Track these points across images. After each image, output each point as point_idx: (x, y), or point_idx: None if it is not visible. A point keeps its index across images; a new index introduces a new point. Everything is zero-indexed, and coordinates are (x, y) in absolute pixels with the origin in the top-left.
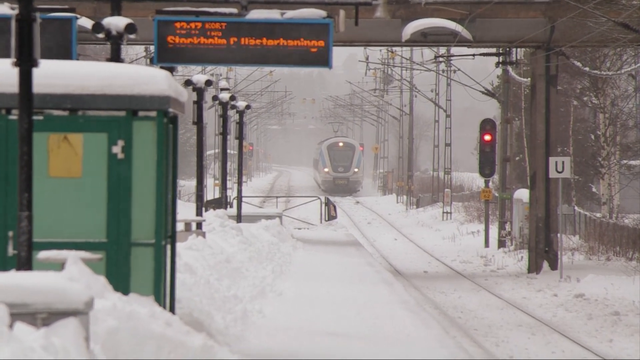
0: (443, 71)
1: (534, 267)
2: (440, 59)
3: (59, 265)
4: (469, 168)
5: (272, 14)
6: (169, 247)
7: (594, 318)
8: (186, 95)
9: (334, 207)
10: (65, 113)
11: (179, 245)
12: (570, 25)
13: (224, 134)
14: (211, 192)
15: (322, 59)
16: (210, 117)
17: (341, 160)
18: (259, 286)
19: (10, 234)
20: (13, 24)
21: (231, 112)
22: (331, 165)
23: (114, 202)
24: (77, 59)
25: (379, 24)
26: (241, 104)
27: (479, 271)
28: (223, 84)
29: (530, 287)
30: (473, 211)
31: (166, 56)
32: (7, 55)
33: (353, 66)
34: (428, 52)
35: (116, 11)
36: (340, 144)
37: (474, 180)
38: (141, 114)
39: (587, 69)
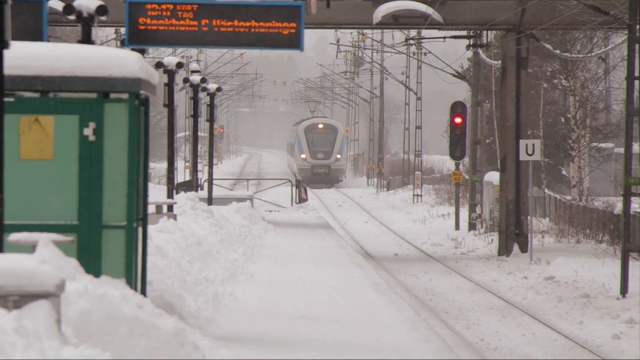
0: (414, 54)
1: (504, 250)
2: (411, 42)
3: (30, 248)
4: (440, 151)
5: None
6: (140, 229)
7: (564, 300)
8: (157, 78)
9: (305, 189)
10: (37, 95)
11: (150, 228)
12: (541, 7)
13: (194, 116)
14: (182, 174)
15: (294, 42)
16: (181, 99)
17: (321, 144)
18: (230, 269)
19: None
20: None
21: (202, 95)
22: (309, 151)
23: (85, 185)
24: (48, 41)
25: (350, 7)
26: (212, 86)
27: (449, 254)
28: (194, 66)
29: (500, 269)
30: (443, 194)
31: (137, 38)
32: None
33: (324, 49)
34: (399, 35)
35: None
36: (320, 126)
37: (445, 163)
38: (112, 96)
39: (557, 51)
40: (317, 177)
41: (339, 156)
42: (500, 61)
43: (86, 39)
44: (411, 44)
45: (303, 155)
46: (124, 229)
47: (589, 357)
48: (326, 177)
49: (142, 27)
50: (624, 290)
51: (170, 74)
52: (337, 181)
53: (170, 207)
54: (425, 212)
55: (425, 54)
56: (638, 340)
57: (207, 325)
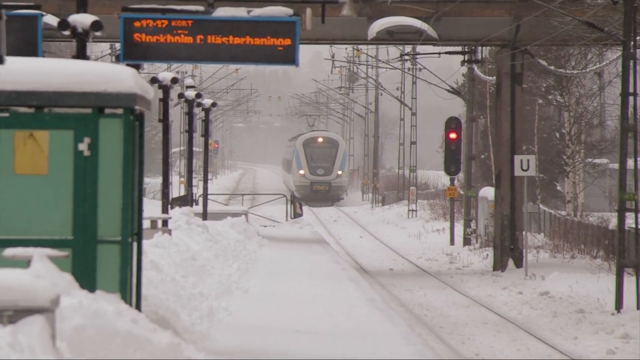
0: (408, 69)
1: (499, 265)
2: (406, 57)
3: (25, 263)
4: (435, 166)
5: (238, 12)
6: (135, 244)
7: (559, 316)
8: (152, 93)
9: (300, 204)
10: (32, 110)
11: (145, 243)
12: (536, 23)
13: (189, 131)
14: (177, 189)
15: (289, 57)
16: (176, 114)
17: (321, 159)
18: (225, 284)
19: None
20: None
21: (197, 110)
22: (308, 167)
23: (80, 199)
24: (43, 56)
25: (345, 22)
26: (207, 101)
27: (444, 269)
28: (189, 81)
29: (495, 284)
30: (438, 209)
31: (132, 53)
32: None
33: (319, 64)
34: (394, 50)
35: (82, 8)
36: (320, 140)
37: (439, 178)
38: (108, 111)
39: (552, 67)
40: (316, 194)
41: (340, 172)
42: (495, 77)
43: (81, 54)
44: (406, 60)
45: (301, 171)
46: (118, 243)
47: None
48: (326, 195)
49: (137, 43)
50: (618, 305)
51: (165, 89)
52: (337, 199)
53: (165, 222)
54: (420, 227)
55: (420, 69)
56: (633, 356)
57: (201, 340)
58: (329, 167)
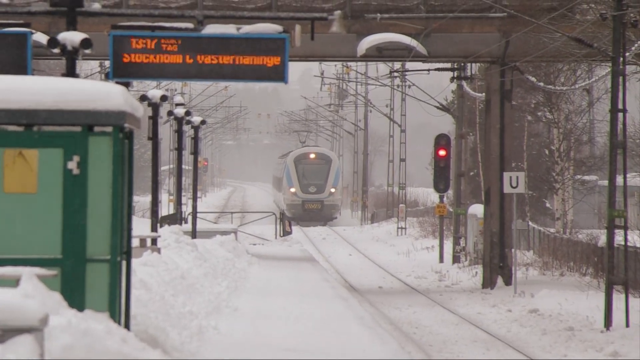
0: (398, 86)
1: (488, 283)
2: (395, 74)
3: (14, 282)
4: (424, 183)
5: (228, 29)
6: (124, 263)
7: (548, 333)
8: (142, 111)
9: (289, 222)
10: (21, 128)
11: (134, 262)
12: (525, 40)
13: (179, 149)
14: (166, 207)
15: (278, 74)
16: (165, 132)
17: (313, 177)
18: (215, 302)
19: None
20: None
21: (186, 128)
22: (300, 185)
23: (69, 218)
24: (32, 74)
25: (335, 39)
26: (196, 119)
27: (433, 286)
28: (178, 99)
29: (484, 302)
30: (428, 226)
31: (122, 71)
32: None
33: (308, 81)
34: (383, 67)
35: (71, 26)
36: (312, 156)
37: (429, 195)
38: (97, 129)
39: (541, 84)
40: (308, 213)
41: (333, 190)
42: (484, 93)
43: (70, 72)
44: (395, 77)
45: (292, 189)
46: (107, 262)
47: None
48: (318, 214)
49: (126, 60)
50: (608, 323)
51: (155, 107)
52: (330, 218)
53: (154, 241)
54: (410, 245)
55: (409, 86)
56: None
57: (191, 358)
58: (321, 184)
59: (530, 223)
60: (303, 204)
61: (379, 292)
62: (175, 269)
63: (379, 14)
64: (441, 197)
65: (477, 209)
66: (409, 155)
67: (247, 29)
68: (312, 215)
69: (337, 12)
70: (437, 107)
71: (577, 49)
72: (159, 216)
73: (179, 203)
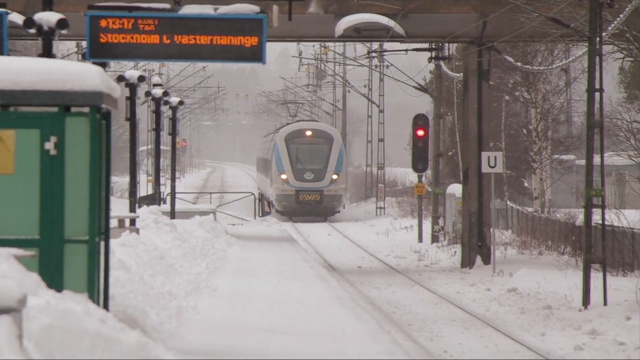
0: (376, 66)
1: (467, 262)
2: (373, 55)
3: None
4: (402, 163)
5: (205, 9)
6: (102, 243)
7: (527, 312)
8: (119, 91)
9: (268, 203)
10: None
11: (113, 242)
12: (502, 20)
13: (157, 130)
14: (144, 188)
15: (256, 55)
16: (143, 113)
17: (310, 160)
18: (194, 282)
19: None
20: None
21: (164, 108)
22: (293, 170)
23: (46, 199)
24: (8, 55)
25: (312, 20)
26: (174, 99)
27: (412, 266)
28: (156, 79)
29: (463, 281)
30: (406, 206)
31: (98, 52)
32: None
33: (286, 62)
34: (361, 48)
35: (47, 6)
36: (308, 133)
37: (407, 175)
38: (74, 109)
39: (519, 64)
40: (303, 207)
41: (335, 177)
42: (462, 74)
43: (47, 52)
44: (373, 57)
45: (283, 176)
46: (86, 243)
47: None
48: (317, 208)
49: (103, 41)
50: (586, 301)
51: (132, 87)
52: (332, 212)
53: (132, 221)
54: (388, 225)
55: (387, 66)
56: (600, 352)
57: (170, 339)
58: (320, 169)
59: (508, 202)
60: (297, 195)
61: (358, 271)
62: (154, 249)
63: None
64: (420, 177)
65: (455, 189)
66: (388, 136)
67: (225, 9)
68: (309, 209)
69: None
70: (415, 88)
71: (554, 29)
72: (138, 197)
73: (157, 184)
